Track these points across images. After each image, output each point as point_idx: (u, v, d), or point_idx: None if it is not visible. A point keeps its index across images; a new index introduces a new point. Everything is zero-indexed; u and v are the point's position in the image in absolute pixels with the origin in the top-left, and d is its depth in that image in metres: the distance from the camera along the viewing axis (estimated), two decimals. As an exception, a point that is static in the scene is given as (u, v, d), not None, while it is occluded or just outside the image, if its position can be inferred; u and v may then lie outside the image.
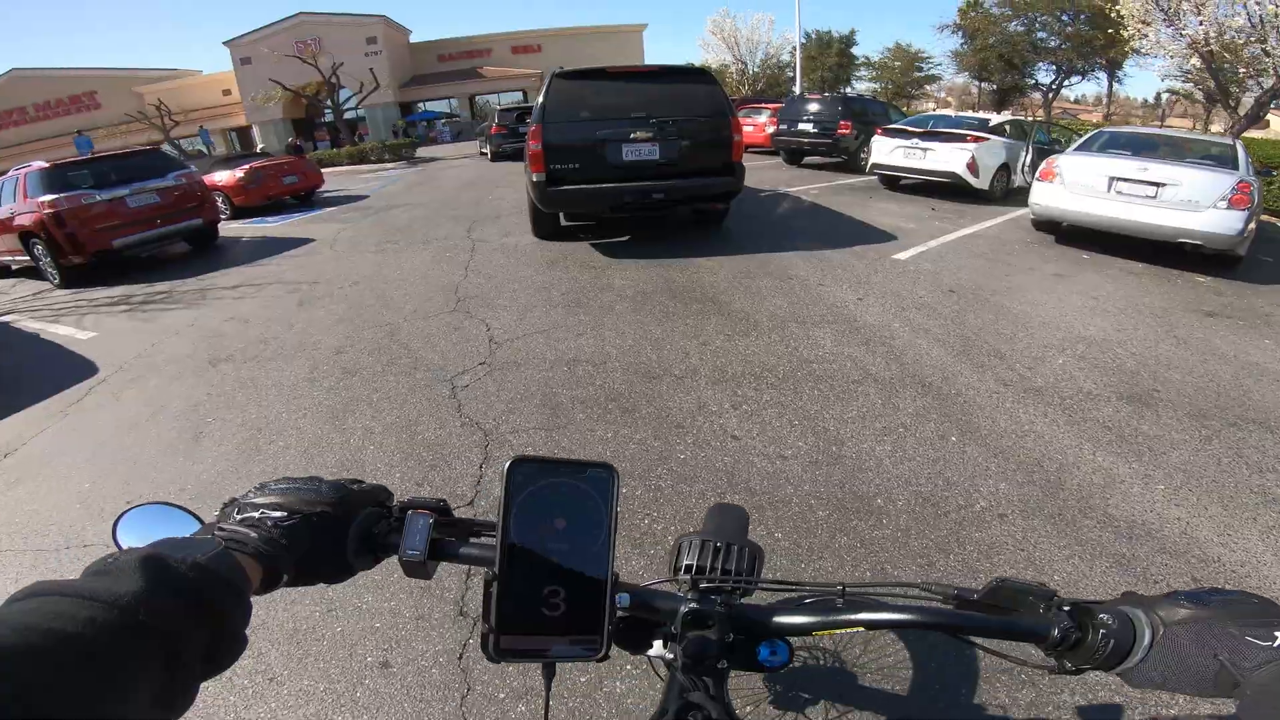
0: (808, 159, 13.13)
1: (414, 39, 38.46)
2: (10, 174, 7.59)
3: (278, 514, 0.52)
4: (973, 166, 8.25)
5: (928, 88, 43.14)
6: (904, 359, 3.81)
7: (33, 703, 0.29)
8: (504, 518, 0.48)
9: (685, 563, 0.73)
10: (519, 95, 34.31)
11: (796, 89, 25.77)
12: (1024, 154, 8.81)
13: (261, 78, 28.70)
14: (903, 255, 5.85)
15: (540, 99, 6.02)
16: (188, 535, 0.51)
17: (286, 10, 38.53)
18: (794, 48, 39.68)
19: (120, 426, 3.59)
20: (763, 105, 16.26)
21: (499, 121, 17.34)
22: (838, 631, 0.59)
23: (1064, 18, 28.88)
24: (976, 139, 8.31)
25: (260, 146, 19.30)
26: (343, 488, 0.57)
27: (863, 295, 4.78)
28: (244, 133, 36.67)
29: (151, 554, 0.40)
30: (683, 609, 0.58)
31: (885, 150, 9.12)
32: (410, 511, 0.57)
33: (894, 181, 9.72)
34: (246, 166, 10.99)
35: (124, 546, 0.55)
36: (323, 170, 20.40)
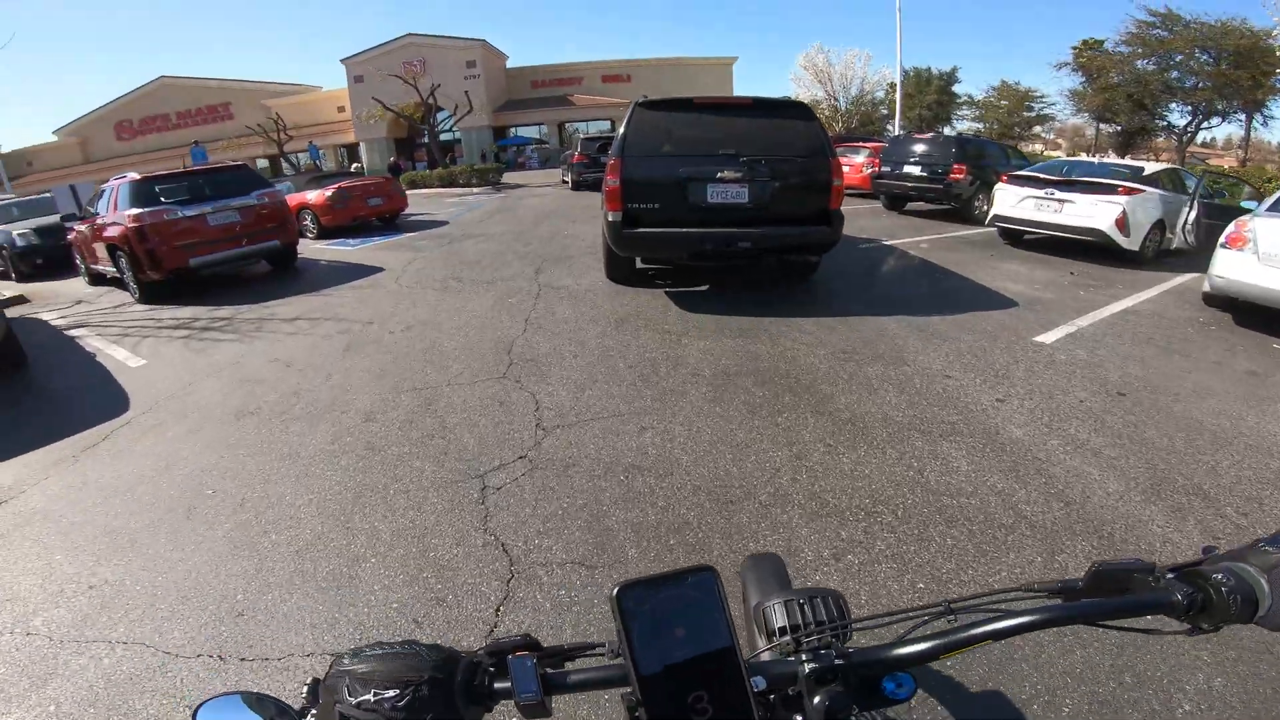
0: (910, 205, 12.01)
1: (510, 65, 39.84)
2: (110, 182, 7.78)
3: (391, 693, 0.52)
4: (1122, 223, 6.98)
5: (1036, 129, 40.27)
6: (1069, 495, 2.84)
7: None
8: (628, 643, 0.50)
9: (778, 625, 0.72)
10: (606, 124, 34.74)
11: (895, 128, 24.53)
12: (1186, 210, 7.43)
13: (370, 96, 30.25)
14: (1047, 337, 4.76)
15: (621, 129, 5.52)
16: None
17: (399, 30, 40.92)
18: (890, 85, 38.41)
19: (119, 486, 3.20)
20: (860, 145, 15.16)
21: (581, 150, 17.43)
22: (963, 651, 0.56)
23: (1204, 56, 26.14)
24: (1129, 190, 7.04)
25: (355, 166, 19.88)
26: (439, 648, 0.57)
27: (1004, 395, 3.78)
28: (353, 150, 38.89)
29: None
30: (803, 670, 0.56)
31: (1011, 200, 7.95)
32: (511, 656, 0.57)
33: (1018, 236, 8.52)
34: (334, 187, 11.12)
35: None
36: (414, 191, 21.12)
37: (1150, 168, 7.91)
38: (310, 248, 10.38)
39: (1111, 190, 7.08)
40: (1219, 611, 0.53)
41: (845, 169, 14.10)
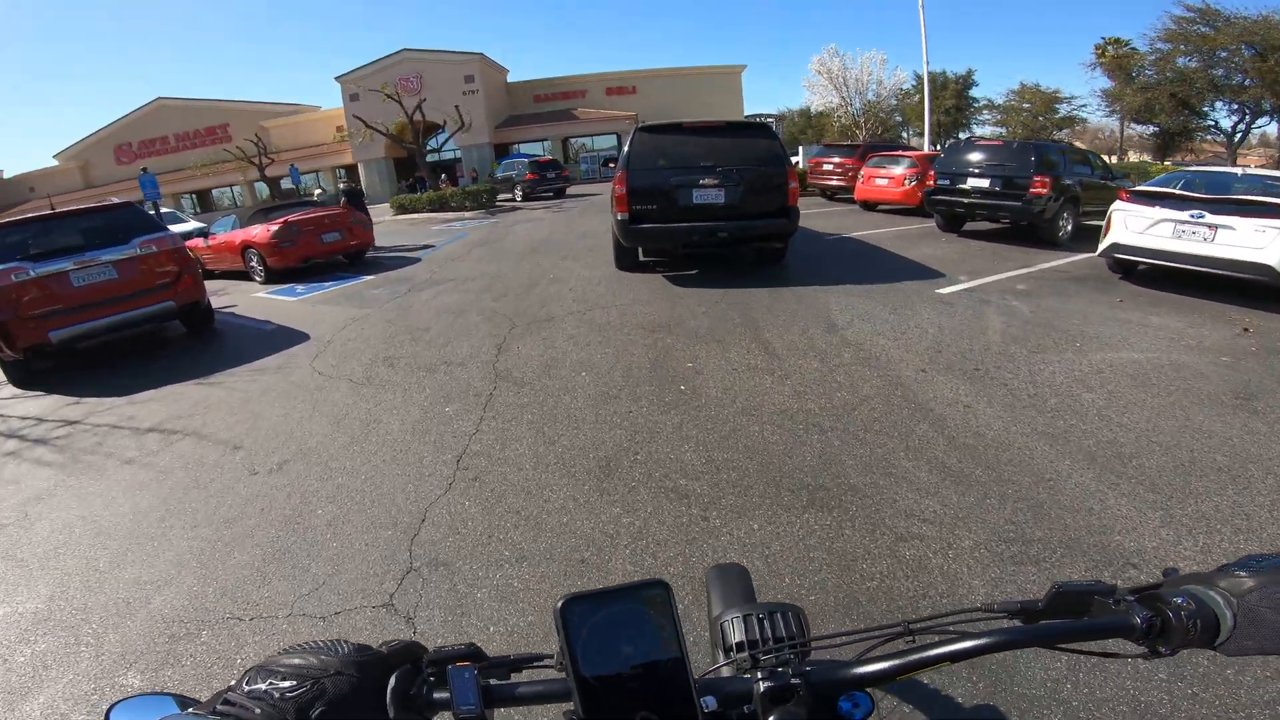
0: (968, 225, 10.02)
1: (511, 79, 38.38)
2: None
3: (286, 684, 0.47)
4: (1304, 259, 5.04)
5: (1060, 133, 37.94)
6: None
7: None
8: (570, 657, 0.47)
9: (735, 641, 0.68)
10: (613, 139, 33.09)
11: (925, 134, 22.65)
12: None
13: (367, 114, 28.63)
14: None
15: (625, 149, 6.86)
16: (189, 714, 0.46)
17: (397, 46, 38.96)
18: (902, 91, 36.41)
19: None
20: (900, 154, 13.11)
21: (531, 170, 22.71)
22: (920, 671, 0.53)
23: (1249, 52, 24.09)
24: (1313, 216, 5.10)
25: (317, 193, 17.38)
26: (366, 649, 0.53)
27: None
28: (352, 171, 37.45)
29: None
30: (759, 689, 0.53)
31: (1140, 225, 5.99)
32: (451, 666, 0.52)
33: (1130, 268, 6.56)
34: (281, 221, 9.23)
35: None
36: (403, 217, 19.37)
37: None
38: (248, 297, 8.59)
39: (1288, 214, 5.14)
40: (1176, 635, 0.50)
41: (882, 181, 12.29)
